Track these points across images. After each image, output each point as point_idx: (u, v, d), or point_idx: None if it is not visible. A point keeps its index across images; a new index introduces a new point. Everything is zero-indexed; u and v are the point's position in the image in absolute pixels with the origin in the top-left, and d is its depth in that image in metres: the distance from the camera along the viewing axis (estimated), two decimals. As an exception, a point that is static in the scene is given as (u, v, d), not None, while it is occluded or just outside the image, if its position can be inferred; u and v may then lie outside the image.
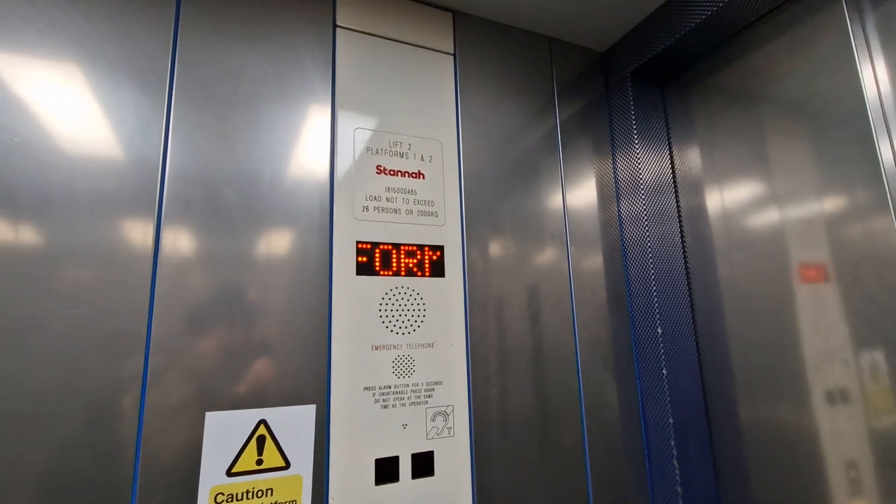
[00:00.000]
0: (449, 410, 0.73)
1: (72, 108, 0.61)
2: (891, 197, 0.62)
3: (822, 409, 0.70)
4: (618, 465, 0.84)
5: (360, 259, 0.71)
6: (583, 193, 0.95)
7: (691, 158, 0.93)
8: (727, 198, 0.86)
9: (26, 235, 0.56)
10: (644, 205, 0.90)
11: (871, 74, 0.66)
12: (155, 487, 0.56)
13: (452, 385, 0.74)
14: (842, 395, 0.67)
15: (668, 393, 0.83)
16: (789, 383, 0.74)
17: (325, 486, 0.63)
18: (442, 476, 0.70)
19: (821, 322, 0.70)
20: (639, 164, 0.92)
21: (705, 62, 0.90)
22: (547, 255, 0.87)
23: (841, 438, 0.67)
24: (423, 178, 0.79)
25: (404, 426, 0.70)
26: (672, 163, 0.97)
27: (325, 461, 0.64)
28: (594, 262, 0.92)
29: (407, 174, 0.78)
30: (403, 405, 0.70)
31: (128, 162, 0.62)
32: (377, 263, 0.73)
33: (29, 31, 0.60)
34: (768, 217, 0.78)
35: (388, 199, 0.76)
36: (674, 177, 0.96)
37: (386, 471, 0.67)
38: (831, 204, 0.70)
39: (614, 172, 0.98)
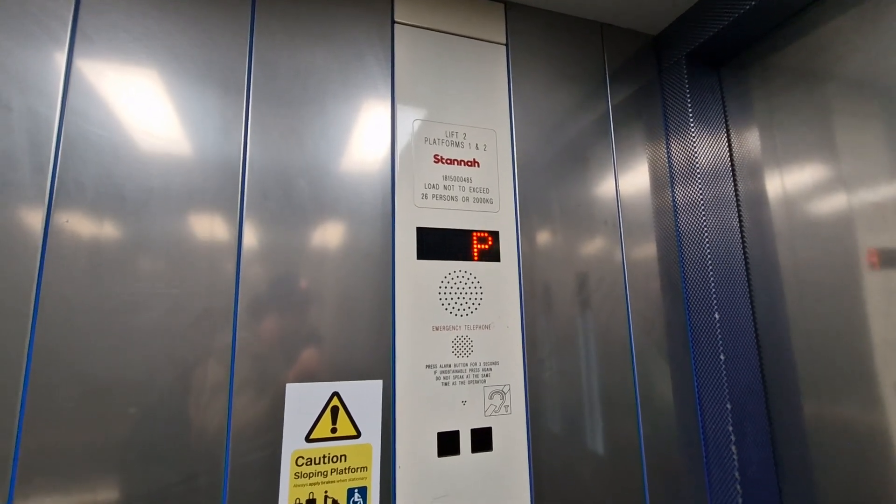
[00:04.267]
0: (506, 389, 0.76)
1: (165, 109, 0.67)
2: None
3: (892, 401, 0.67)
4: (673, 448, 0.85)
5: (420, 244, 0.75)
6: (635, 179, 0.94)
7: (750, 141, 0.91)
8: (789, 181, 0.83)
9: (131, 224, 0.63)
10: (700, 190, 0.89)
11: (954, 46, 0.63)
12: (245, 449, 0.62)
13: (509, 365, 0.77)
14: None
15: (725, 378, 0.83)
16: (855, 373, 0.72)
17: (392, 456, 0.68)
18: (500, 451, 0.73)
19: (892, 311, 0.68)
20: (694, 148, 0.90)
21: (765, 41, 0.87)
22: (599, 240, 0.88)
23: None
24: (478, 166, 0.82)
25: (464, 402, 0.73)
26: (730, 146, 0.94)
27: (392, 432, 0.69)
28: (647, 247, 0.92)
29: (463, 162, 0.81)
30: (462, 383, 0.74)
31: (214, 157, 0.68)
32: (436, 248, 0.76)
33: (129, 41, 0.67)
34: (835, 201, 0.76)
35: (445, 187, 0.79)
36: (732, 161, 0.94)
37: (447, 443, 0.71)
38: (907, 185, 0.67)
39: (668, 158, 0.97)
